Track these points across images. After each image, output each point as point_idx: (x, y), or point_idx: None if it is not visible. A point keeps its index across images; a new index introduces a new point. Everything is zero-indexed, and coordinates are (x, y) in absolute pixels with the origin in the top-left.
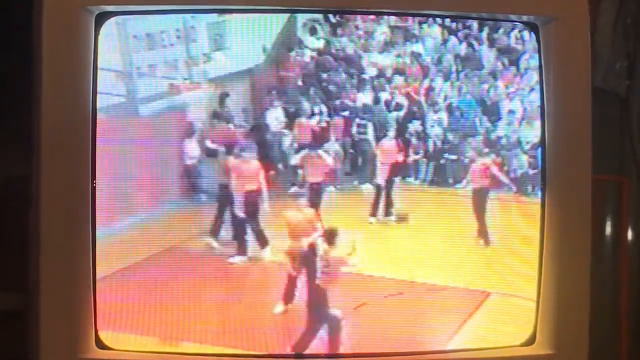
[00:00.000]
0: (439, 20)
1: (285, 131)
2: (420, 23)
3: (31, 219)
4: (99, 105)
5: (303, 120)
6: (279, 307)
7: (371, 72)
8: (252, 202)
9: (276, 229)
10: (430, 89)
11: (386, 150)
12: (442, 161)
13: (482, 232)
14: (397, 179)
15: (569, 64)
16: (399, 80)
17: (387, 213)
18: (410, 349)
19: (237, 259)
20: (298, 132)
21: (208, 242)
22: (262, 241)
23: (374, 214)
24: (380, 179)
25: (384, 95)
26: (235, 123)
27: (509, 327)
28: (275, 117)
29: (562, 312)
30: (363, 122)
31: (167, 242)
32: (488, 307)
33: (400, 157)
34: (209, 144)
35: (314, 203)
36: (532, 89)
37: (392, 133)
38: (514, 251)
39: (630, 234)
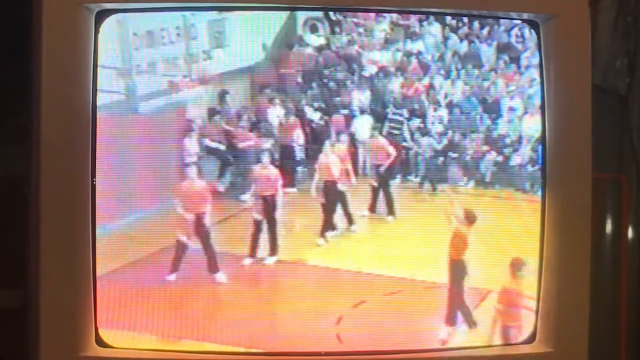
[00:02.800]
0: (439, 18)
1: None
2: (420, 21)
3: (31, 217)
4: (98, 103)
5: (303, 117)
6: None
7: (371, 69)
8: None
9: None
10: (430, 87)
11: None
12: (441, 159)
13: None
14: (397, 177)
15: (570, 61)
16: (399, 77)
17: (389, 212)
18: (410, 346)
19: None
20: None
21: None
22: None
23: (372, 210)
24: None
25: (385, 93)
26: (235, 121)
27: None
28: (276, 115)
29: (562, 310)
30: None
31: (167, 239)
32: (488, 304)
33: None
34: (208, 142)
35: None
36: (532, 87)
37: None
38: (515, 249)
39: (630, 233)
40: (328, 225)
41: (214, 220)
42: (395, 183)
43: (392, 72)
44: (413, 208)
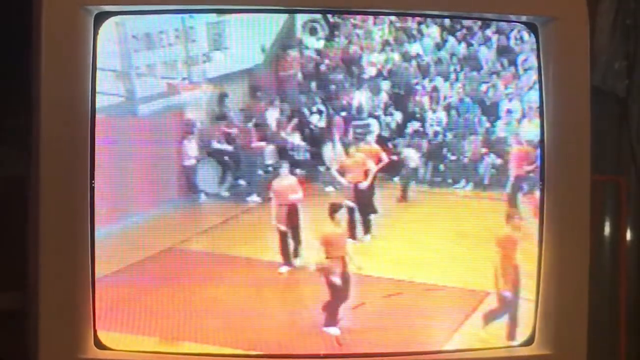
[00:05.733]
0: (438, 20)
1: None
2: (419, 23)
3: (30, 218)
4: (98, 105)
5: (303, 120)
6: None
7: (370, 71)
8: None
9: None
10: (433, 90)
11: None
12: (441, 161)
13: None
14: (395, 179)
15: (568, 64)
16: (397, 80)
17: (388, 214)
18: (409, 349)
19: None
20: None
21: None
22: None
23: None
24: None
25: (383, 95)
26: (234, 123)
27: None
28: (275, 118)
29: (561, 312)
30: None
31: (166, 242)
32: (487, 306)
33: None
34: (211, 144)
35: None
36: (531, 89)
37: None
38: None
39: (629, 234)
40: None
41: (217, 222)
42: (394, 185)
43: (390, 75)
44: (412, 210)
